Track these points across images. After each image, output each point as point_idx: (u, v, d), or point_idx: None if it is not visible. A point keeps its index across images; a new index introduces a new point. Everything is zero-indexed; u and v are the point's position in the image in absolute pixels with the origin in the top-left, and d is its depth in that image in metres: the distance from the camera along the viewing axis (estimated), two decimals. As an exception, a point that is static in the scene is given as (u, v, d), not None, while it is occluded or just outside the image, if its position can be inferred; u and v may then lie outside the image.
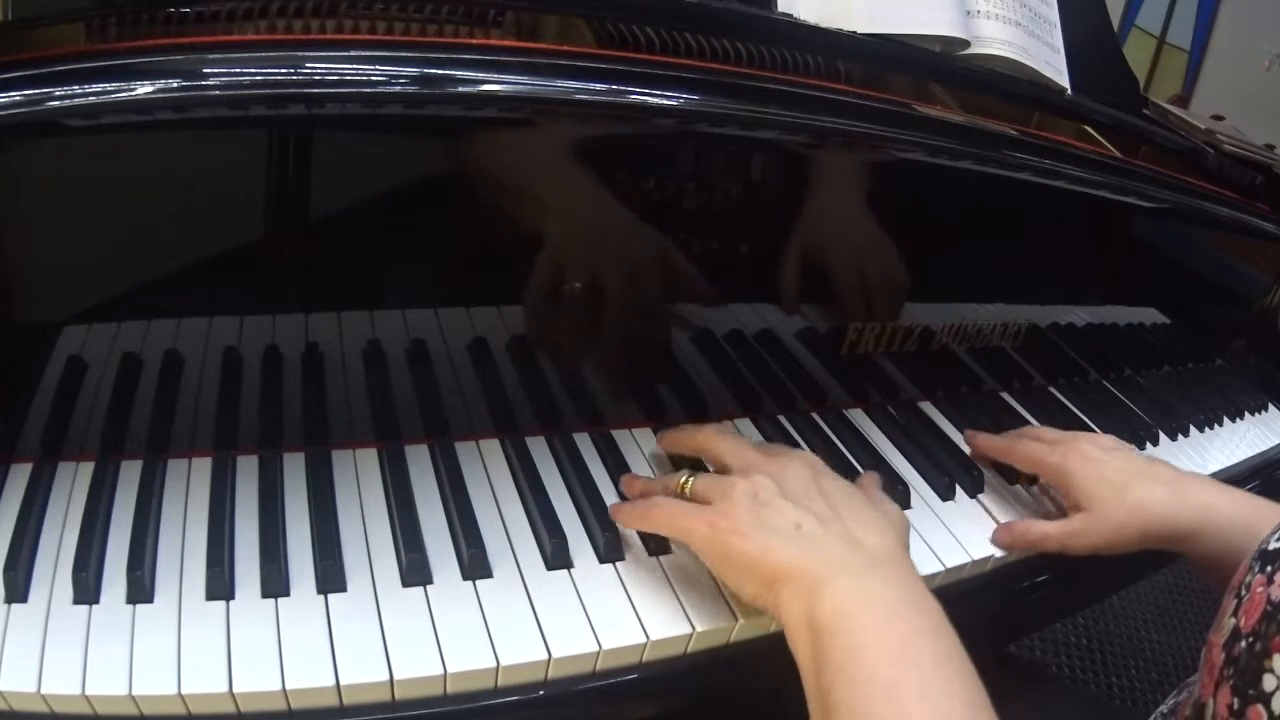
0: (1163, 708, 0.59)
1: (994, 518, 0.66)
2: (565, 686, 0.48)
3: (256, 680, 0.43)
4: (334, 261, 0.54)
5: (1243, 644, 0.40)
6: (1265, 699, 0.37)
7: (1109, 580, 0.87)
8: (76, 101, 0.41)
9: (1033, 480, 0.70)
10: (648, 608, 0.51)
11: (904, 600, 0.44)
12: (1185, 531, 0.58)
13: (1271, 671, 0.37)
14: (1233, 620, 0.42)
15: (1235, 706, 0.39)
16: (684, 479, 0.53)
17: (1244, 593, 0.42)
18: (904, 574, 0.46)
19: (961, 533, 0.63)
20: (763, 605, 0.47)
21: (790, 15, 0.67)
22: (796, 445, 0.68)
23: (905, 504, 0.65)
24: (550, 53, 0.54)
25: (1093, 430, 0.81)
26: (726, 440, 0.56)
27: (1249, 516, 0.57)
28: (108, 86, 0.41)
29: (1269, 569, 0.41)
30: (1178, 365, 1.02)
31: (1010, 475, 0.71)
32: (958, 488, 0.68)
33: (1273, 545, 0.42)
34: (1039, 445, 0.65)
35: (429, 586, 0.50)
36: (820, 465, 0.53)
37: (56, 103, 0.41)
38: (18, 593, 0.45)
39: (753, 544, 0.46)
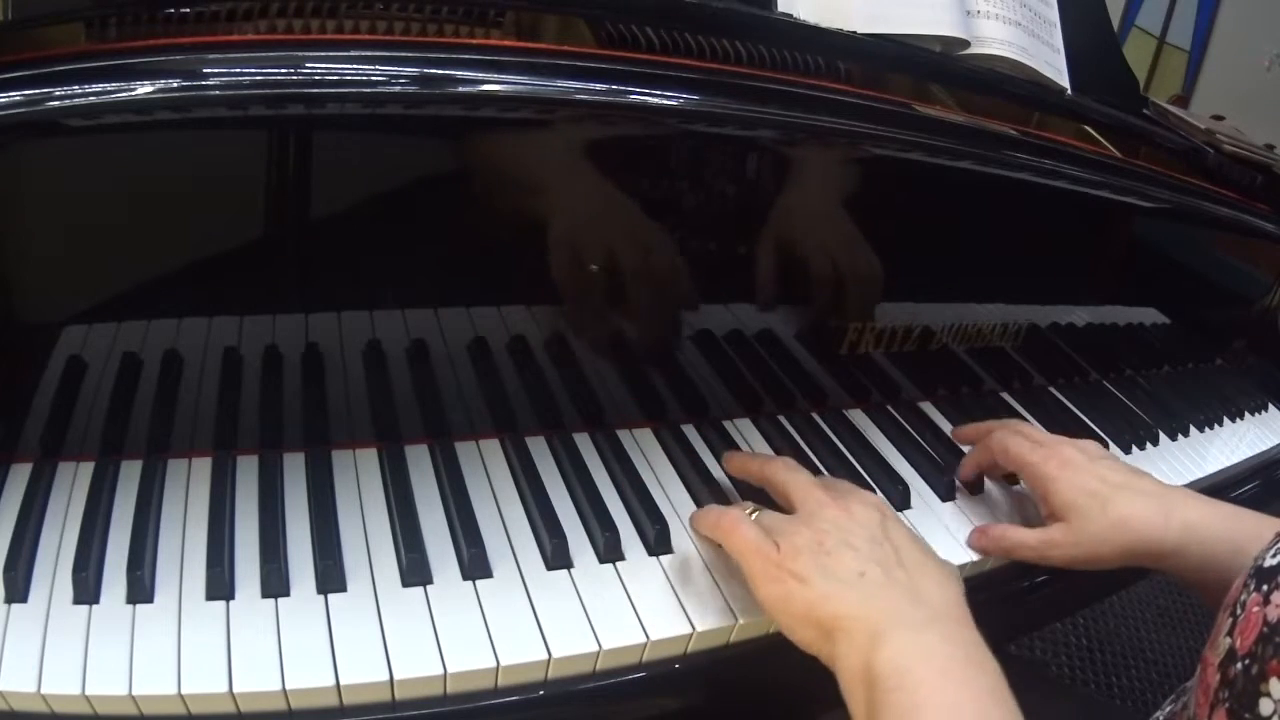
0: (1159, 715, 0.59)
1: (995, 518, 0.66)
2: (565, 686, 0.48)
3: (256, 680, 0.43)
4: (334, 261, 0.54)
5: (1238, 666, 0.39)
6: None
7: (1109, 580, 0.87)
8: (76, 101, 0.41)
9: (1013, 480, 0.68)
10: (648, 608, 0.51)
11: (964, 658, 0.43)
12: (1168, 549, 0.56)
13: (1268, 695, 0.37)
14: (1228, 640, 0.41)
15: None
16: (749, 512, 0.51)
17: (1239, 611, 0.41)
18: (965, 630, 0.45)
19: (961, 533, 0.63)
20: (817, 652, 0.46)
21: (790, 15, 0.67)
22: (797, 445, 0.68)
23: (905, 504, 0.65)
24: (550, 53, 0.54)
25: (1094, 430, 0.81)
26: (795, 476, 0.54)
27: (1234, 531, 0.55)
28: (108, 86, 0.42)
29: (1265, 587, 0.40)
30: (1178, 365, 1.02)
31: (1012, 475, 0.71)
32: (958, 487, 0.68)
33: (1269, 561, 0.41)
34: (1022, 441, 0.63)
35: (429, 586, 0.50)
36: (887, 509, 0.52)
37: (56, 103, 0.41)
38: (18, 593, 0.45)
39: (814, 591, 0.45)
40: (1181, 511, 0.57)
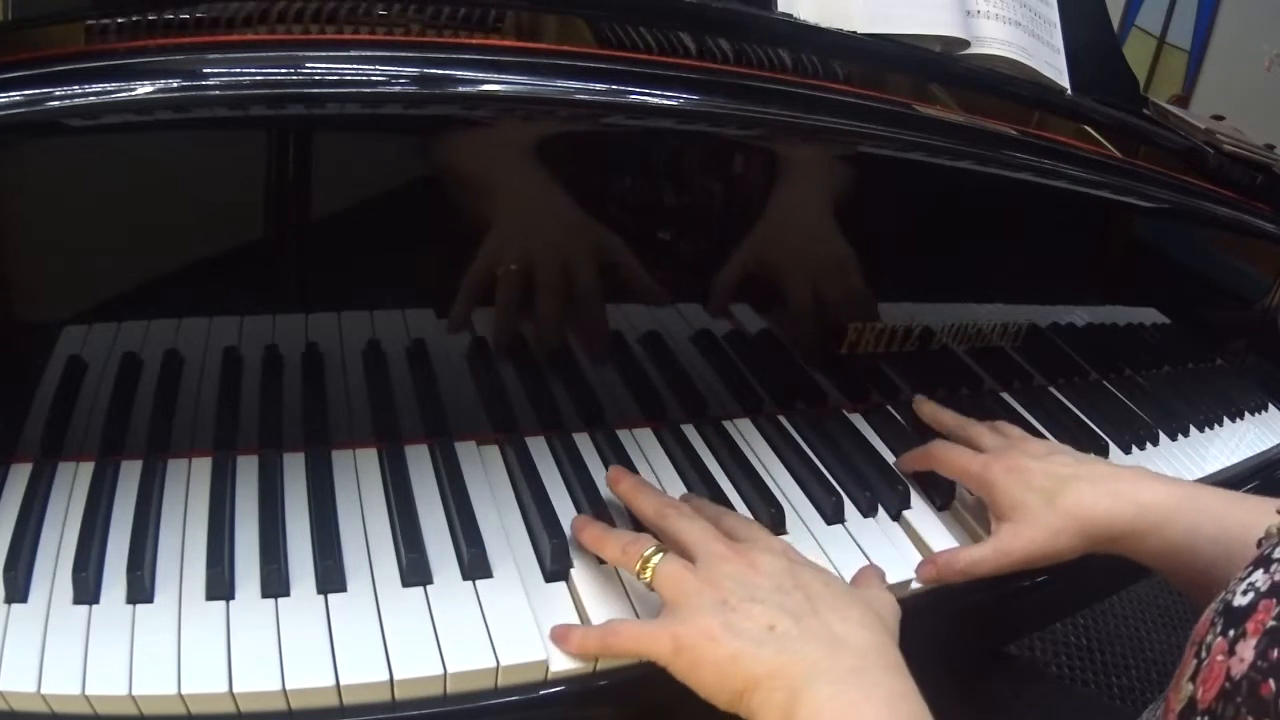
0: (1152, 710, 0.59)
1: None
2: (565, 687, 0.48)
3: (256, 680, 0.43)
4: (334, 261, 0.54)
5: None
6: None
7: (1109, 580, 0.87)
8: (76, 101, 0.41)
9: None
10: (648, 607, 0.51)
11: (889, 712, 0.41)
12: (1122, 530, 0.56)
13: None
14: (1190, 686, 0.38)
15: None
16: (649, 555, 0.48)
17: (1204, 655, 0.39)
18: (888, 674, 0.42)
19: (962, 533, 0.63)
20: (738, 712, 0.43)
21: (790, 15, 0.67)
22: (797, 445, 0.68)
23: (905, 505, 0.64)
24: (550, 53, 0.54)
25: (1094, 430, 0.81)
26: (690, 525, 0.50)
27: (1188, 511, 0.55)
28: (108, 86, 0.41)
29: (1231, 633, 0.37)
30: (1178, 365, 1.02)
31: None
32: (958, 486, 0.68)
33: (1238, 600, 0.38)
34: (963, 452, 0.62)
35: (429, 586, 0.50)
36: (793, 553, 0.49)
37: (56, 103, 0.41)
38: (18, 593, 0.45)
39: (722, 651, 0.43)
40: (1132, 493, 0.56)
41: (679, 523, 0.51)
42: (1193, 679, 0.38)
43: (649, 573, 0.48)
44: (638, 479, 0.57)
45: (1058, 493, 0.57)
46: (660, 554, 0.48)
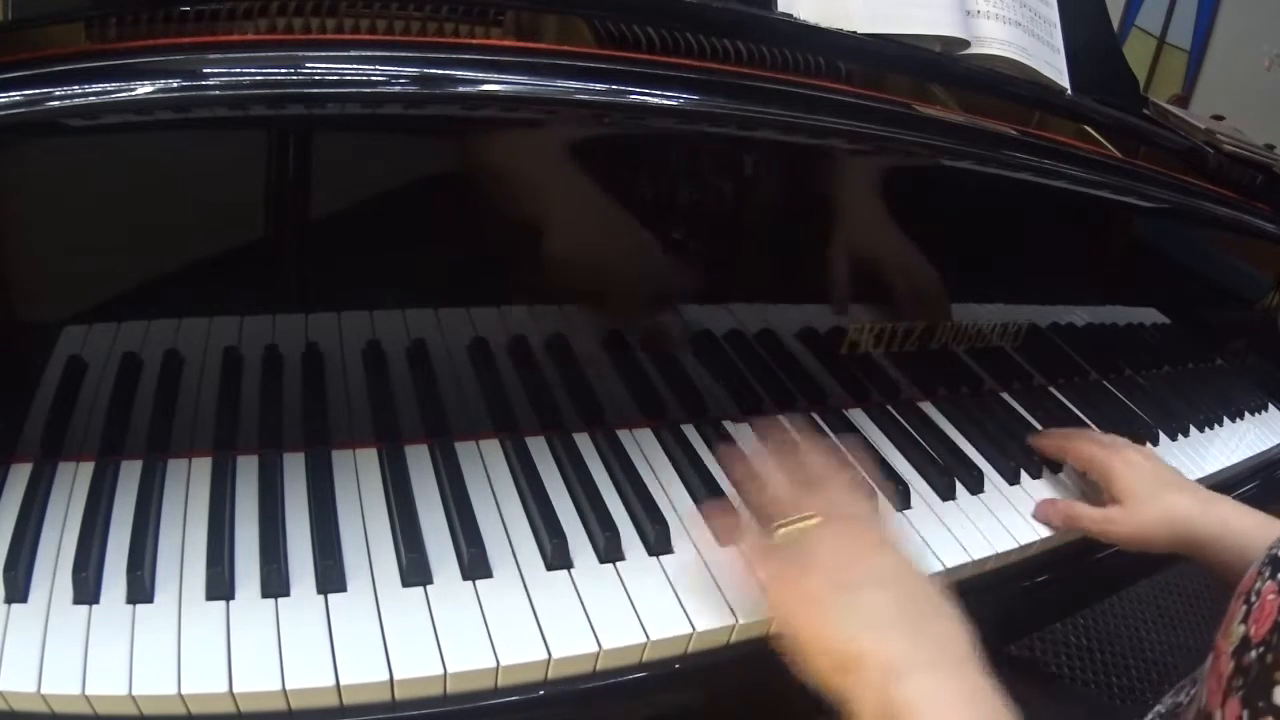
0: (1159, 708, 0.59)
1: (996, 517, 0.66)
2: (565, 686, 0.48)
3: (256, 680, 0.43)
4: (334, 261, 0.54)
5: (1253, 654, 0.40)
6: (1276, 711, 0.37)
7: (1109, 580, 0.87)
8: (76, 101, 0.41)
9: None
10: (648, 608, 0.51)
11: (974, 694, 0.44)
12: (1206, 539, 0.63)
13: None
14: (1242, 628, 0.41)
15: (1244, 718, 0.38)
16: (792, 520, 0.51)
17: (1254, 599, 0.42)
18: (977, 674, 0.45)
19: (961, 532, 0.63)
20: (829, 686, 0.46)
21: (790, 15, 0.67)
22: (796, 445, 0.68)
23: (905, 504, 0.65)
24: (550, 53, 0.54)
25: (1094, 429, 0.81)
26: (820, 500, 0.53)
27: (1264, 532, 0.60)
28: (108, 86, 0.41)
29: (1279, 576, 0.41)
30: (1178, 365, 1.02)
31: (1011, 473, 0.71)
32: (958, 487, 0.68)
33: None
34: (1092, 444, 0.71)
35: (429, 586, 0.50)
36: (904, 552, 0.52)
37: (56, 103, 0.41)
38: (18, 593, 0.45)
39: (831, 628, 0.46)
40: (1219, 510, 0.64)
41: (813, 498, 0.54)
42: (1244, 621, 0.42)
43: (781, 531, 0.51)
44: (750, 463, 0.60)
45: (1163, 493, 0.65)
46: (807, 521, 0.51)
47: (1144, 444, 0.82)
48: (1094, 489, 0.71)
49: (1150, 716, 0.60)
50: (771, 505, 0.53)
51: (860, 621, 0.46)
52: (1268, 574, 0.42)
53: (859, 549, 0.50)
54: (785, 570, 0.49)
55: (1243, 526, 0.62)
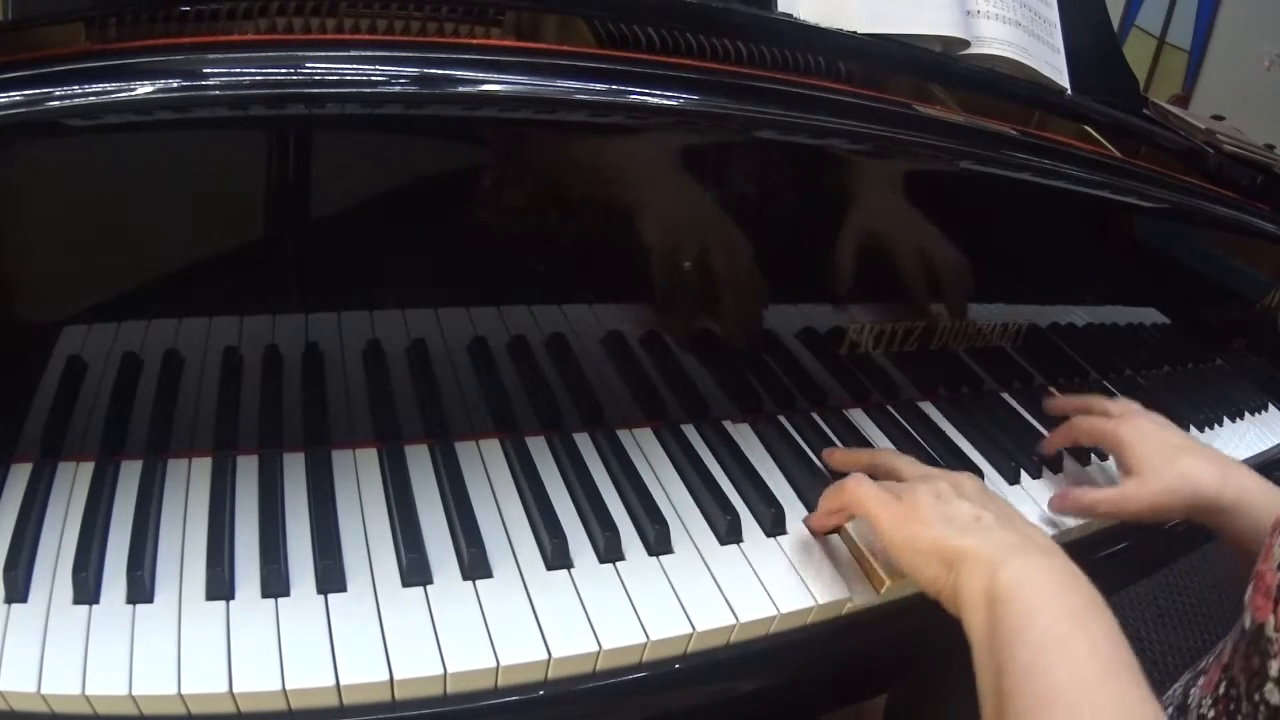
0: (1175, 691, 0.60)
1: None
2: (565, 686, 0.48)
3: (256, 680, 0.43)
4: (334, 261, 0.54)
5: None
6: None
7: (1108, 580, 0.87)
8: (76, 101, 0.41)
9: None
10: (648, 607, 0.51)
11: (1071, 580, 0.48)
12: (1224, 505, 0.62)
13: None
14: None
15: None
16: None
17: None
18: (1068, 563, 0.50)
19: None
20: (939, 586, 0.50)
21: (790, 15, 0.67)
22: (796, 445, 0.68)
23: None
24: (550, 53, 0.54)
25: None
26: (901, 458, 0.61)
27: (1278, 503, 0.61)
28: (108, 86, 0.41)
29: None
30: (1178, 365, 1.02)
31: (1011, 473, 0.71)
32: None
33: None
34: (1098, 419, 0.71)
35: (429, 586, 0.50)
36: (985, 486, 0.57)
37: (56, 103, 0.41)
38: (18, 593, 0.45)
39: (937, 530, 0.51)
40: (1238, 478, 0.64)
41: (890, 455, 0.61)
42: None
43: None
44: (846, 449, 0.67)
45: (1176, 458, 0.65)
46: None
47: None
48: (1098, 484, 0.71)
49: (1167, 698, 0.60)
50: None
51: (961, 527, 0.51)
52: None
53: (950, 483, 0.55)
54: (892, 503, 0.53)
55: (1259, 492, 0.62)
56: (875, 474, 0.58)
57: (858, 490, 0.55)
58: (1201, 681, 0.52)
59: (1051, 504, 0.68)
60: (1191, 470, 0.64)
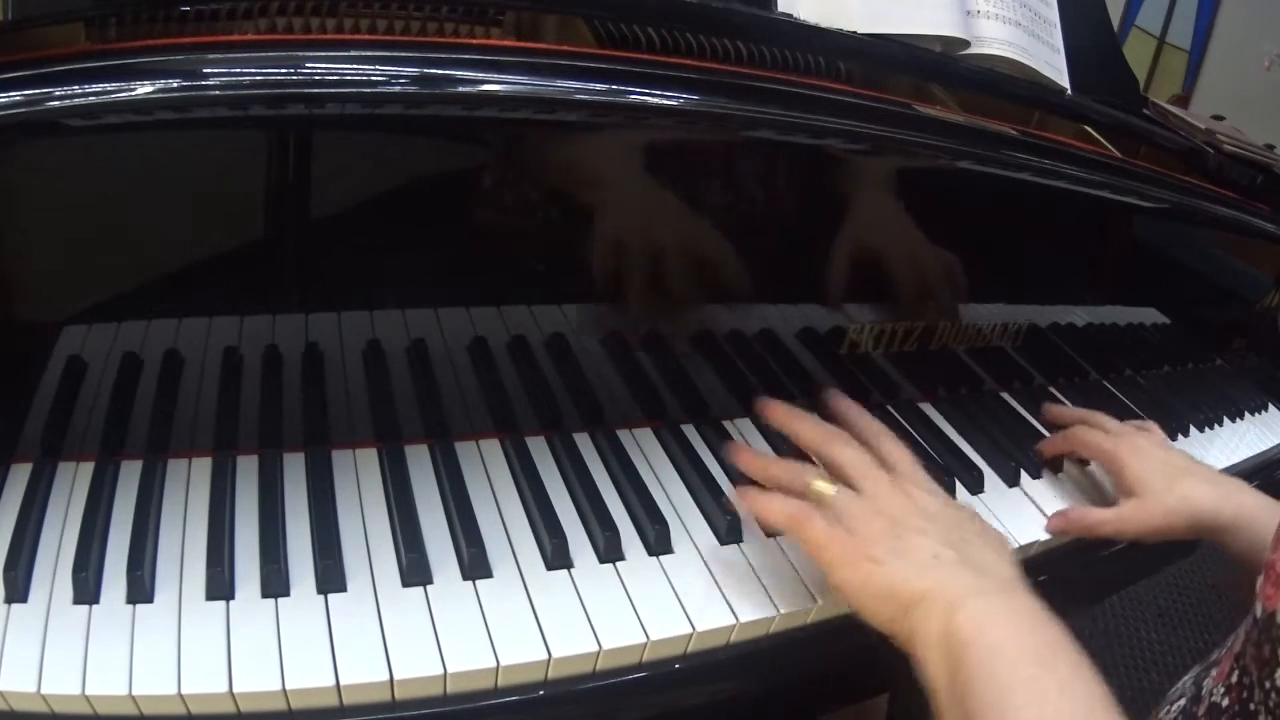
0: (1186, 683, 0.60)
1: (997, 517, 0.66)
2: (565, 686, 0.48)
3: (256, 680, 0.43)
4: (334, 261, 0.54)
5: None
6: None
7: (1109, 580, 0.87)
8: (76, 101, 0.41)
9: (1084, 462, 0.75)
10: (648, 608, 0.51)
11: (1033, 618, 0.46)
12: (1223, 526, 0.62)
13: None
14: None
15: None
16: (819, 485, 0.53)
17: None
18: (1029, 597, 0.48)
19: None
20: (892, 628, 0.48)
21: (790, 15, 0.67)
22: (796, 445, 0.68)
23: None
24: (550, 53, 0.54)
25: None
26: (852, 452, 0.55)
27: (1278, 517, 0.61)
28: (108, 86, 0.41)
29: None
30: (1178, 365, 1.02)
31: (1010, 474, 0.71)
32: (958, 487, 0.68)
33: None
34: (1098, 435, 0.70)
35: (429, 586, 0.50)
36: (944, 494, 0.55)
37: (56, 103, 0.41)
38: (18, 593, 0.45)
39: (892, 574, 0.48)
40: (1237, 496, 0.64)
41: (843, 451, 0.55)
42: None
43: (826, 498, 0.52)
44: (790, 407, 0.61)
45: (1177, 481, 0.64)
46: (829, 486, 0.53)
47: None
48: (1094, 485, 0.71)
49: (1177, 691, 0.60)
50: (798, 475, 0.54)
51: (918, 565, 0.48)
52: None
53: (898, 497, 0.52)
54: (839, 538, 0.50)
55: (1260, 510, 0.62)
56: (824, 462, 0.55)
57: (806, 529, 0.51)
58: (1214, 673, 0.53)
59: (1051, 523, 0.66)
60: (1191, 493, 0.63)
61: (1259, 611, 0.45)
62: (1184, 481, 0.64)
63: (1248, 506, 0.63)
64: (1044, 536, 0.66)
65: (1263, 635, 0.44)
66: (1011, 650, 0.44)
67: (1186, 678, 0.60)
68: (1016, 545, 0.64)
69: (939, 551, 0.49)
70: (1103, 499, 0.70)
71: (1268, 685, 0.43)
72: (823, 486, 0.53)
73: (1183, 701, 0.56)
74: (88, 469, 0.52)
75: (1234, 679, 0.48)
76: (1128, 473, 0.66)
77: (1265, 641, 0.44)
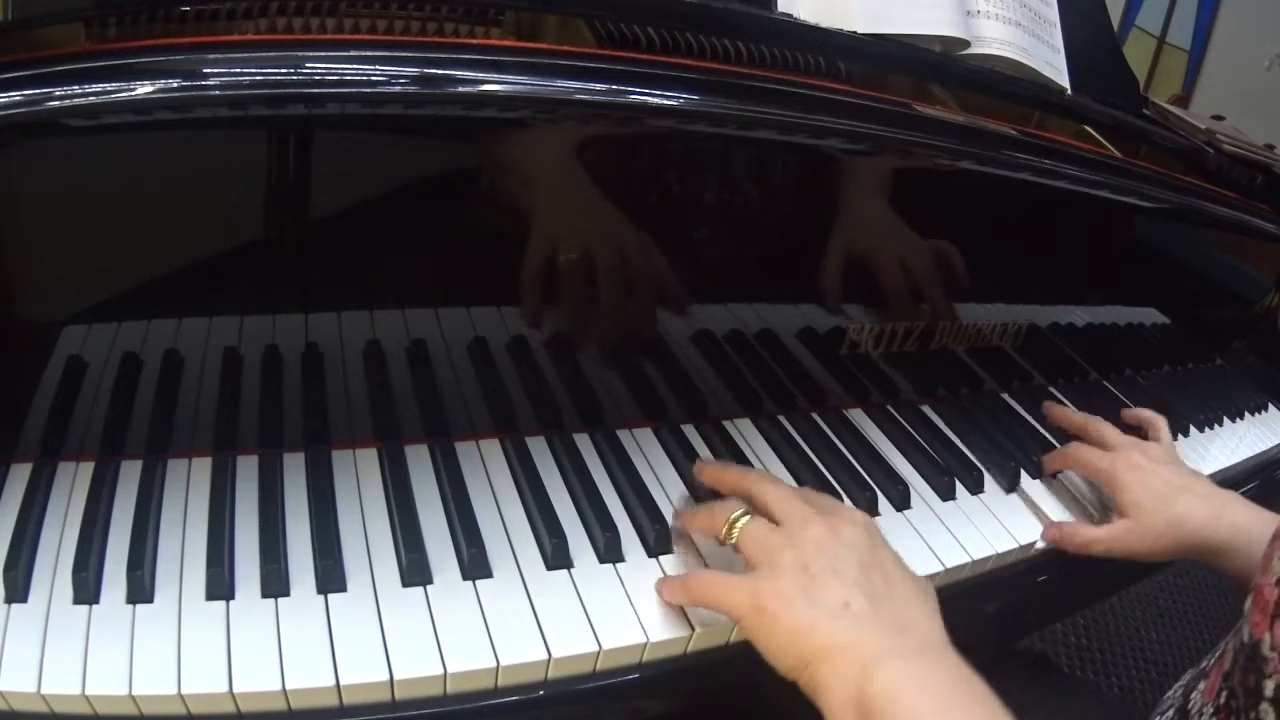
0: (1175, 692, 0.60)
1: (996, 517, 0.66)
2: (565, 686, 0.48)
3: (256, 680, 0.43)
4: (334, 261, 0.54)
5: None
6: None
7: (1109, 580, 0.87)
8: (76, 101, 0.41)
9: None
10: (648, 608, 0.51)
11: (954, 682, 0.43)
12: (1217, 547, 0.62)
13: None
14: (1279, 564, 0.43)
15: None
16: (736, 516, 0.50)
17: None
18: (951, 657, 0.45)
19: (961, 533, 0.63)
20: (797, 679, 0.45)
21: (790, 15, 0.67)
22: (797, 445, 0.68)
23: (905, 504, 0.65)
24: (550, 53, 0.54)
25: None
26: (775, 490, 0.52)
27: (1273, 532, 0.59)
28: (108, 86, 0.41)
29: None
30: (1178, 365, 1.02)
31: (1010, 475, 0.71)
32: (958, 487, 0.68)
33: None
34: (1093, 453, 0.69)
35: (429, 586, 0.50)
36: (874, 529, 0.51)
37: (56, 103, 0.41)
38: (18, 593, 0.45)
39: (798, 618, 0.45)
40: (1231, 514, 0.63)
41: (765, 487, 0.53)
42: None
43: (735, 533, 0.50)
44: (720, 462, 0.61)
45: (1172, 501, 0.64)
46: (747, 515, 0.50)
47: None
48: (1094, 486, 0.71)
49: (1170, 698, 0.60)
50: (720, 512, 0.51)
51: (828, 614, 0.44)
52: None
53: (824, 539, 0.48)
54: (741, 585, 0.47)
55: (1253, 529, 0.61)
56: (747, 502, 0.53)
57: (706, 591, 0.49)
58: (1203, 685, 0.52)
59: (1046, 535, 0.66)
60: (1186, 514, 0.63)
61: (1245, 636, 0.45)
62: (1180, 501, 0.64)
63: (1242, 526, 0.62)
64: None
65: (1249, 663, 0.44)
66: None
67: (1178, 685, 0.60)
68: (1017, 545, 0.64)
69: (852, 599, 0.45)
70: (1102, 501, 0.70)
71: (1252, 715, 0.43)
72: (737, 516, 0.51)
73: (1170, 712, 0.56)
74: (88, 469, 0.52)
75: (1222, 699, 0.47)
76: (1123, 494, 0.65)
77: (1251, 670, 0.43)
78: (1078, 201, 0.75)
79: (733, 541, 0.50)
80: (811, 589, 0.45)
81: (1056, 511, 0.69)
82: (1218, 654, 0.53)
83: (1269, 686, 0.42)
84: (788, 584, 0.46)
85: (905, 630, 0.45)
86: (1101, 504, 0.70)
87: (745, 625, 0.47)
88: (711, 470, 0.58)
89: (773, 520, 0.50)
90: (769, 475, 0.57)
